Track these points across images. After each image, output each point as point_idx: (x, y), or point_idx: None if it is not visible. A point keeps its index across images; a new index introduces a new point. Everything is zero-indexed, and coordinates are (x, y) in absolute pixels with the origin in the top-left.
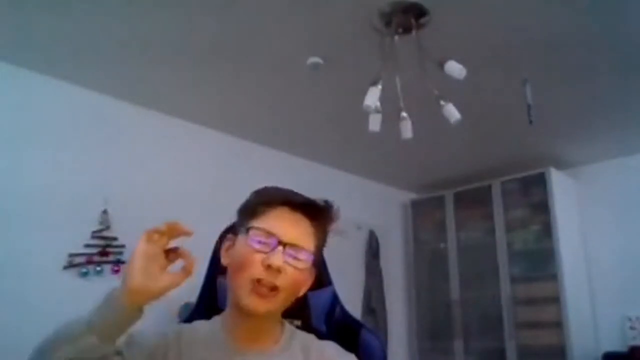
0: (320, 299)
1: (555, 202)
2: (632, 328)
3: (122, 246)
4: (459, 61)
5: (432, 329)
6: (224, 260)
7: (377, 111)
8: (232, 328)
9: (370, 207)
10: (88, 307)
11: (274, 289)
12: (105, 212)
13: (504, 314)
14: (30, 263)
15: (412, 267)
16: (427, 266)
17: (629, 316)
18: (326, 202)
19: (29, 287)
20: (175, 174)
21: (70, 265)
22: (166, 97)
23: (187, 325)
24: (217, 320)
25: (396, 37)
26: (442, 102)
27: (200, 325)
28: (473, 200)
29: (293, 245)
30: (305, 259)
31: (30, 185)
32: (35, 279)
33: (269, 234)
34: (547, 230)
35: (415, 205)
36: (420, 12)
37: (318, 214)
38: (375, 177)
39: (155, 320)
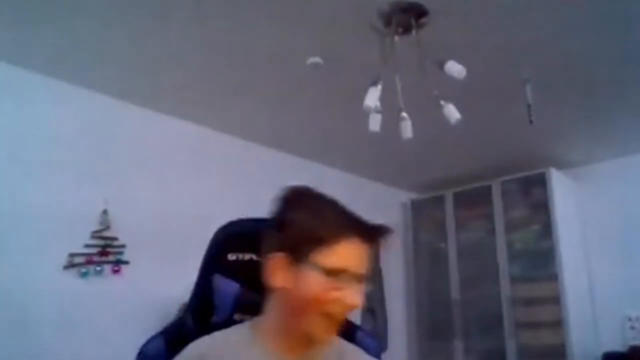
0: None
1: (555, 202)
2: (632, 328)
3: (122, 246)
4: (459, 61)
5: (432, 329)
6: (278, 282)
7: (377, 111)
8: (281, 339)
9: (370, 207)
10: (88, 307)
11: (344, 319)
12: (105, 212)
13: (504, 314)
14: (30, 263)
15: (412, 267)
16: (427, 266)
17: (629, 316)
18: (387, 227)
19: (29, 287)
20: (174, 174)
21: (70, 265)
22: (166, 98)
23: (203, 348)
24: (244, 332)
25: (396, 37)
26: (442, 102)
27: (224, 341)
28: (473, 200)
29: (363, 276)
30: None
31: (30, 185)
32: (35, 279)
33: (345, 271)
34: (547, 230)
35: (415, 205)
36: (420, 12)
37: (381, 239)
38: (375, 177)
39: (154, 324)
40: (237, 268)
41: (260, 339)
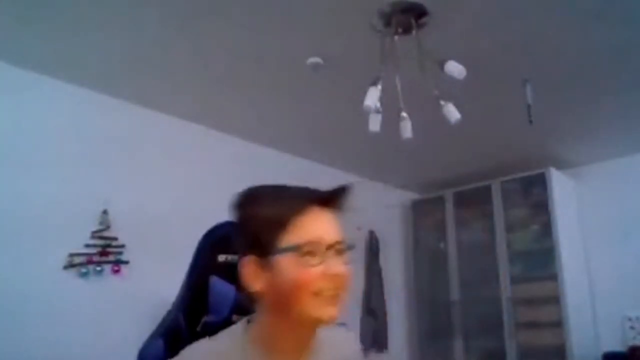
0: None
1: (555, 202)
2: (632, 328)
3: (122, 246)
4: (459, 61)
5: (432, 329)
6: (256, 285)
7: (377, 111)
8: (275, 341)
9: (370, 207)
10: (88, 307)
11: (339, 294)
12: (105, 212)
13: (504, 314)
14: (30, 263)
15: (412, 267)
16: (427, 266)
17: (629, 316)
18: (345, 186)
19: (29, 287)
20: (174, 174)
21: (70, 265)
22: (165, 98)
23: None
24: (236, 338)
25: (396, 37)
26: (442, 102)
27: (216, 351)
28: (473, 200)
29: (340, 244)
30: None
31: (30, 185)
32: (35, 279)
33: (317, 243)
34: (547, 230)
35: (415, 205)
36: (420, 12)
37: (341, 201)
38: (375, 177)
39: (153, 324)
40: (227, 269)
41: (254, 346)
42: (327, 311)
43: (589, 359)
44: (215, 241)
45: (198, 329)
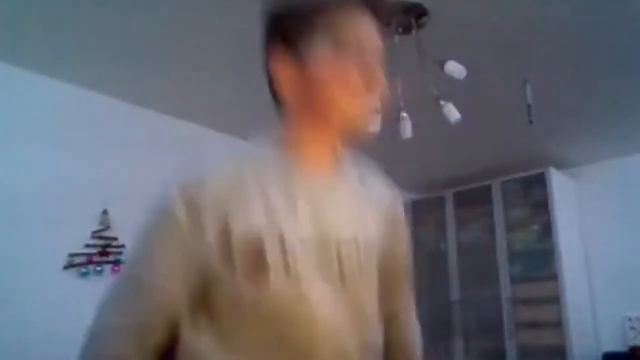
0: None
1: (555, 202)
2: (632, 328)
3: (122, 246)
4: (459, 61)
5: (432, 329)
6: (282, 76)
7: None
8: (303, 145)
9: None
10: (88, 307)
11: (377, 105)
12: (105, 212)
13: (504, 314)
14: (30, 263)
15: (412, 267)
16: (427, 266)
17: (629, 316)
18: None
19: (29, 288)
20: (175, 174)
21: (70, 265)
22: (166, 97)
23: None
24: (265, 146)
25: (396, 37)
26: (442, 102)
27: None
28: (473, 200)
29: (381, 51)
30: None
31: (30, 185)
32: (35, 279)
33: (359, 41)
34: (547, 230)
35: (415, 205)
36: (420, 12)
37: (383, 10)
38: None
39: None
40: None
41: (284, 152)
42: (368, 120)
43: (589, 359)
44: None
45: None
